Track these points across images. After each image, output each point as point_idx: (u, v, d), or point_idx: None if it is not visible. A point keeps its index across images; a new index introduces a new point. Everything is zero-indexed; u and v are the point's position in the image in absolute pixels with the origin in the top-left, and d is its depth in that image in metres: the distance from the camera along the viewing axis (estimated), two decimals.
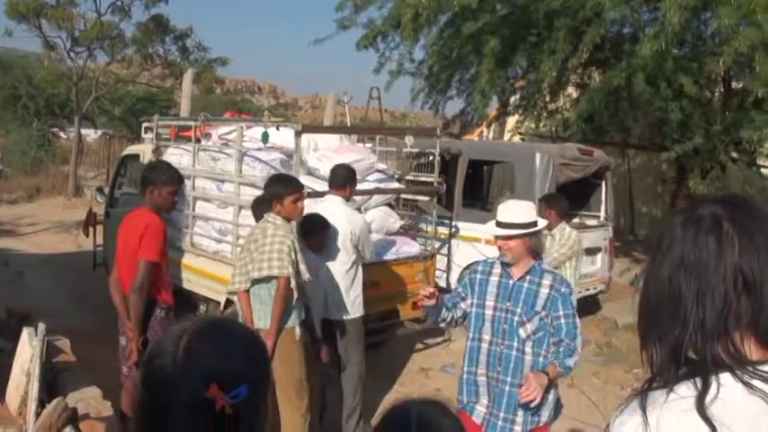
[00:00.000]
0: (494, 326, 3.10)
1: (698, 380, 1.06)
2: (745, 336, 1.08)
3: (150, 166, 4.72)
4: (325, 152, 5.71)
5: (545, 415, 3.10)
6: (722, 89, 8.91)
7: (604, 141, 10.14)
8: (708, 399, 1.04)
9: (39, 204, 17.14)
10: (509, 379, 3.05)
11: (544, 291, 3.04)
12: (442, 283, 6.73)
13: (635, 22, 7.95)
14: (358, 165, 5.39)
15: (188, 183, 5.62)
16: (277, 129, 5.39)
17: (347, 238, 4.53)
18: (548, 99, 10.51)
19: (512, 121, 11.88)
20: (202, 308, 5.88)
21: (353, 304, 4.60)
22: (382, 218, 5.94)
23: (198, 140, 6.09)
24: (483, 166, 9.21)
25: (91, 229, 7.73)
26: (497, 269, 3.16)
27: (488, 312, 3.12)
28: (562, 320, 3.02)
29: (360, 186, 5.27)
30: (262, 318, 3.88)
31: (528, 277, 3.08)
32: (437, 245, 6.68)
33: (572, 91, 10.69)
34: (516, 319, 3.05)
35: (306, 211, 4.19)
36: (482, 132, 14.90)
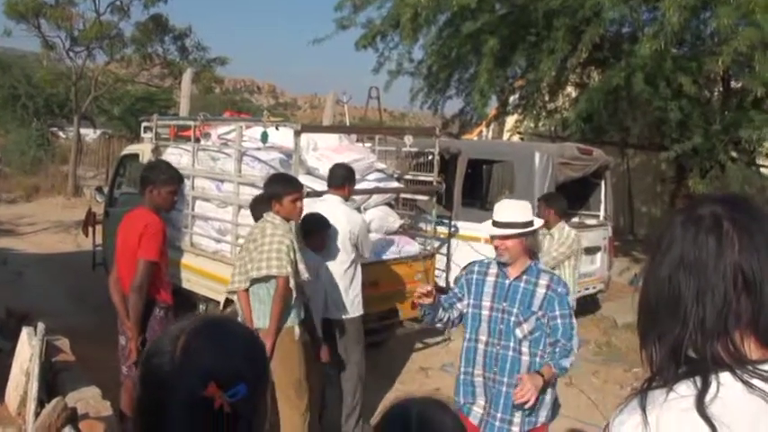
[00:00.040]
0: (490, 326, 3.09)
1: (698, 379, 1.06)
2: (745, 335, 1.08)
3: (150, 166, 4.73)
4: (324, 152, 5.71)
5: (543, 415, 3.10)
6: (721, 89, 8.91)
7: (603, 141, 10.15)
8: (707, 398, 1.04)
9: (38, 204, 17.13)
10: (506, 379, 3.04)
11: (541, 291, 3.03)
12: (442, 283, 6.72)
13: (634, 22, 7.95)
14: (357, 164, 5.39)
15: (187, 182, 5.62)
16: (276, 128, 5.39)
17: (346, 238, 4.53)
18: (547, 98, 10.51)
19: (511, 120, 11.87)
20: (202, 307, 5.88)
21: (353, 303, 4.60)
22: (382, 217, 5.94)
23: (197, 140, 6.08)
24: (482, 165, 9.21)
25: (90, 229, 7.73)
26: (494, 269, 3.15)
27: (485, 313, 3.11)
28: (558, 321, 3.01)
29: (359, 186, 5.28)
30: (261, 317, 3.88)
31: (524, 277, 3.07)
32: (436, 244, 6.68)
33: (571, 90, 10.70)
34: (513, 319, 3.03)
35: (305, 211, 4.19)
36: (481, 132, 14.90)
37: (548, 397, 3.09)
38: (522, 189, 7.10)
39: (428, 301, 3.04)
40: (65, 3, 17.11)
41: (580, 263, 5.81)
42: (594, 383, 6.10)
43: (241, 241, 4.69)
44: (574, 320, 3.06)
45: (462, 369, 3.19)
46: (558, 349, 2.99)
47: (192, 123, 6.14)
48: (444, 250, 6.95)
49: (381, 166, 6.37)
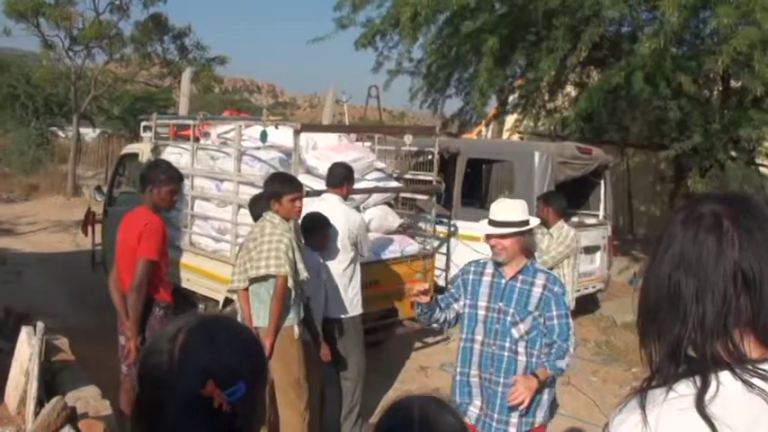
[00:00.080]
0: (486, 326, 3.08)
1: (697, 378, 1.06)
2: (745, 334, 1.08)
3: (149, 165, 4.72)
4: (323, 151, 5.71)
5: (540, 416, 3.09)
6: (721, 88, 8.90)
7: (603, 140, 10.15)
8: (707, 397, 1.03)
9: (37, 203, 17.12)
10: (501, 380, 3.03)
11: (537, 290, 3.02)
12: (441, 282, 6.73)
13: (633, 21, 7.95)
14: (357, 163, 5.39)
15: (187, 182, 5.61)
16: (276, 128, 5.39)
17: (345, 237, 4.53)
18: (546, 98, 10.51)
19: (510, 119, 11.86)
20: (201, 307, 5.88)
21: (352, 303, 4.60)
22: (381, 216, 5.94)
23: (197, 139, 6.08)
24: (482, 164, 9.21)
25: (89, 229, 7.72)
26: (490, 269, 3.14)
27: (481, 313, 3.10)
28: (555, 321, 3.00)
29: (358, 185, 5.28)
30: (260, 316, 3.88)
31: (520, 276, 3.05)
32: (436, 243, 6.68)
33: (571, 90, 10.69)
34: (509, 319, 3.02)
35: (303, 210, 4.19)
36: (481, 131, 14.89)
37: (545, 397, 3.08)
38: (521, 188, 7.11)
39: (425, 299, 3.03)
40: (64, 2, 17.08)
41: (579, 262, 5.81)
42: (594, 383, 6.10)
43: (240, 240, 4.69)
44: (570, 320, 3.05)
45: (459, 369, 3.18)
46: (554, 350, 2.98)
47: (191, 123, 6.13)
48: (444, 249, 6.95)
49: (381, 165, 6.37)
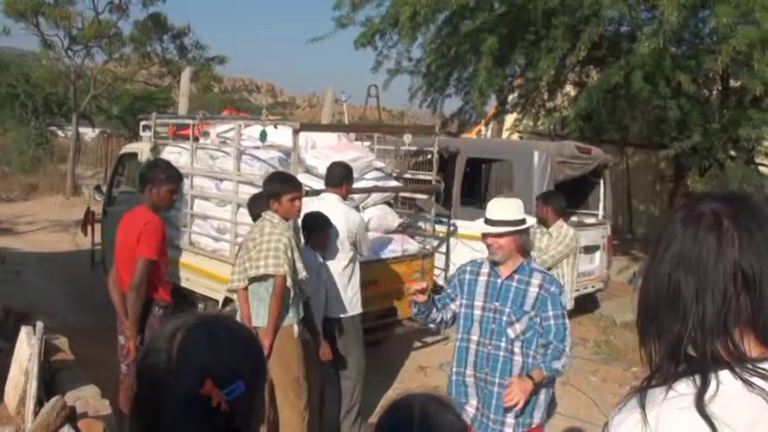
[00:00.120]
0: (482, 326, 3.07)
1: (697, 377, 1.06)
2: (745, 333, 1.08)
3: (149, 165, 4.72)
4: (323, 150, 5.71)
5: (537, 417, 3.08)
6: (720, 87, 8.91)
7: (602, 139, 10.15)
8: (707, 396, 1.03)
9: (37, 203, 17.11)
10: (497, 380, 3.02)
11: (533, 290, 3.01)
12: (441, 282, 6.72)
13: (633, 21, 7.95)
14: (356, 163, 5.38)
15: (186, 181, 5.61)
16: (275, 127, 5.39)
17: (344, 236, 4.53)
18: (546, 97, 10.51)
19: (510, 119, 11.87)
20: (200, 306, 5.88)
21: (351, 302, 4.60)
22: (380, 216, 5.94)
23: (196, 139, 6.08)
24: (481, 164, 9.21)
25: (89, 228, 7.72)
26: (486, 269, 3.14)
27: (477, 312, 3.09)
28: (551, 321, 2.99)
29: (358, 184, 5.27)
30: (260, 316, 3.88)
31: (516, 276, 3.05)
32: (435, 243, 6.67)
33: (570, 89, 10.69)
34: (505, 318, 3.02)
35: (302, 210, 4.18)
36: (480, 130, 14.88)
37: (542, 398, 3.07)
38: (520, 188, 7.10)
39: (422, 298, 3.03)
40: (64, 1, 17.07)
41: (578, 261, 5.80)
42: (593, 382, 6.10)
43: (240, 240, 4.69)
44: (567, 321, 3.04)
45: (455, 369, 3.17)
46: (549, 351, 2.97)
47: (190, 122, 6.13)
48: (443, 249, 6.95)
49: (380, 164, 6.37)
